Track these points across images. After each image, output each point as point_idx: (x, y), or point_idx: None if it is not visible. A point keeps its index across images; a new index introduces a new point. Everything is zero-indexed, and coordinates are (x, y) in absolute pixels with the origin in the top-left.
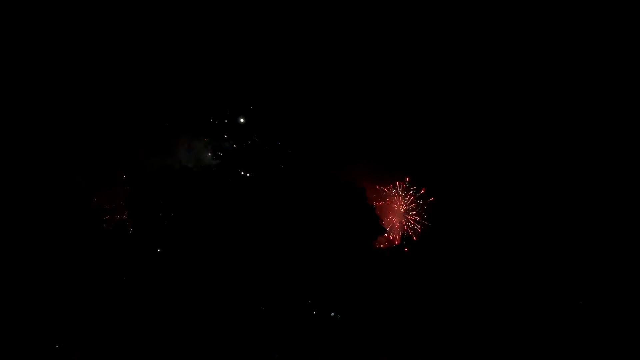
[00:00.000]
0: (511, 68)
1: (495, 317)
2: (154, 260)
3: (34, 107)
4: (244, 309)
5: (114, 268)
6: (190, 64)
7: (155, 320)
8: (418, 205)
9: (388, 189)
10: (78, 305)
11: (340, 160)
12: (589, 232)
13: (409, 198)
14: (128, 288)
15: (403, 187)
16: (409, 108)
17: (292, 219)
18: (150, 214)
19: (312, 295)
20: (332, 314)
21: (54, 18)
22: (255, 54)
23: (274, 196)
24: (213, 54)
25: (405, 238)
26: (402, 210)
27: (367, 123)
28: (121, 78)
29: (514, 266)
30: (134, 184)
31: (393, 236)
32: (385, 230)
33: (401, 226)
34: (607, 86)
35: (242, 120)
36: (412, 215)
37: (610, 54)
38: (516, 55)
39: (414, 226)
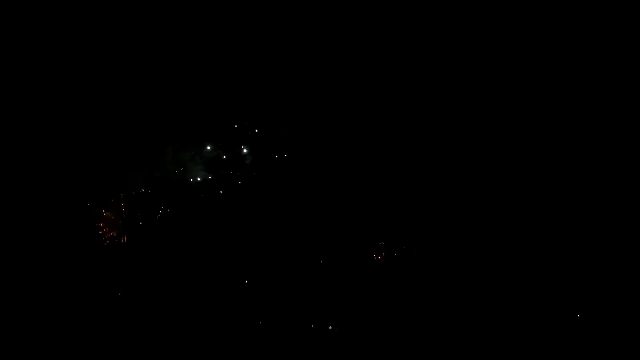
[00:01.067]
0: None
1: (497, 331)
2: (150, 273)
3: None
4: (238, 322)
5: (109, 283)
6: (177, 68)
7: (150, 338)
8: (417, 215)
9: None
10: (71, 322)
11: (336, 169)
12: (588, 239)
13: (408, 208)
14: (124, 304)
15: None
16: (408, 117)
17: (286, 229)
18: (147, 226)
19: (309, 307)
20: (330, 327)
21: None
22: (247, 58)
23: (268, 206)
24: (201, 58)
25: (404, 249)
26: (400, 220)
27: (366, 132)
28: (107, 84)
29: (514, 277)
30: (130, 196)
31: (391, 247)
32: (383, 241)
33: (398, 236)
34: (607, 86)
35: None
36: (410, 225)
37: (610, 54)
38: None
39: (412, 236)
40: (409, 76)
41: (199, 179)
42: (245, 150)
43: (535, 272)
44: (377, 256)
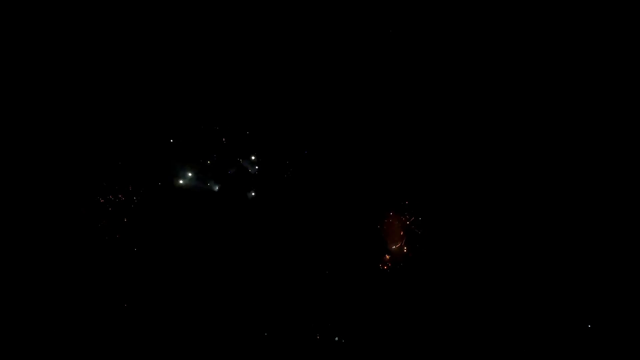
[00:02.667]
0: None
1: (502, 342)
2: (153, 286)
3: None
4: (244, 334)
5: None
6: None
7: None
8: (422, 225)
9: (392, 209)
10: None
11: (340, 178)
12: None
13: (413, 217)
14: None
15: (407, 209)
16: (412, 128)
17: (290, 237)
18: (152, 235)
19: (315, 319)
20: (336, 338)
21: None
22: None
23: (271, 214)
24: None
25: (409, 258)
26: (406, 229)
27: (369, 143)
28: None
29: (520, 288)
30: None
31: (396, 256)
32: (388, 251)
33: (405, 246)
34: (607, 87)
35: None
36: (416, 235)
37: (610, 54)
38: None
39: (418, 246)
40: (409, 78)
41: (205, 187)
42: (252, 158)
43: (541, 279)
44: (383, 266)
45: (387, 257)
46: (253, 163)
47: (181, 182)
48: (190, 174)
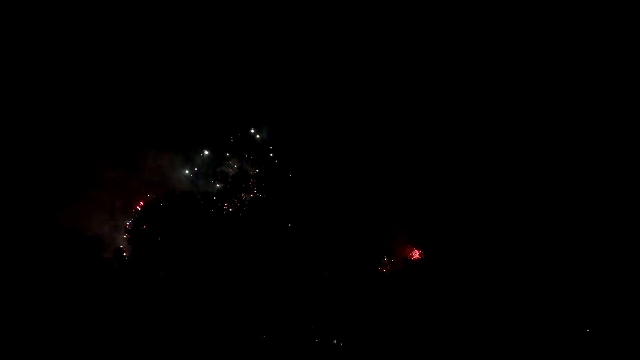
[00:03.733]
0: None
1: (501, 344)
2: (151, 290)
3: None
4: (243, 337)
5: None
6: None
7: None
8: (421, 228)
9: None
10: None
11: (341, 180)
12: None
13: (413, 220)
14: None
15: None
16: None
17: (291, 237)
18: (150, 238)
19: (314, 322)
20: (335, 341)
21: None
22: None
23: (271, 214)
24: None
25: (409, 262)
26: (406, 232)
27: (371, 147)
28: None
29: (517, 292)
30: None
31: (397, 259)
32: (389, 253)
33: (405, 249)
34: (607, 88)
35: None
36: (415, 237)
37: (610, 55)
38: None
39: (418, 249)
40: (410, 81)
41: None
42: (249, 160)
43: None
44: (382, 269)
45: (386, 259)
46: (252, 164)
47: (179, 181)
48: (187, 174)
